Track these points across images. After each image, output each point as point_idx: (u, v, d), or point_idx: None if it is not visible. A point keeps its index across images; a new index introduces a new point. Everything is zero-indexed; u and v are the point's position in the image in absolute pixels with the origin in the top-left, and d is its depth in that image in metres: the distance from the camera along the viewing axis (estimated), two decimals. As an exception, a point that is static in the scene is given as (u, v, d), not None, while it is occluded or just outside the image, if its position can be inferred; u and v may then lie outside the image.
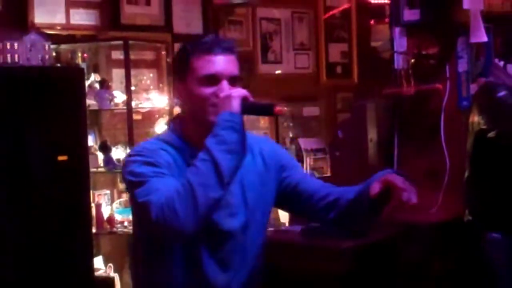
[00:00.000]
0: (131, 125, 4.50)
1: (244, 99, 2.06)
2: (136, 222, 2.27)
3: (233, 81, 2.13)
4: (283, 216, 5.45)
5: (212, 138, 1.99)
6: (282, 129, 6.10)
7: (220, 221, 2.13)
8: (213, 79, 2.10)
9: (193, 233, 1.96)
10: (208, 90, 2.10)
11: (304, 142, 5.96)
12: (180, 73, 2.16)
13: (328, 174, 5.36)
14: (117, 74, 4.79)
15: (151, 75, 5.05)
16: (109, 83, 4.65)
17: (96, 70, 4.77)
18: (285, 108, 2.09)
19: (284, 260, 3.79)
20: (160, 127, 4.93)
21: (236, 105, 2.03)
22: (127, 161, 2.13)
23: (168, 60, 4.96)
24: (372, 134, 4.36)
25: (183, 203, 1.91)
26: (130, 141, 4.50)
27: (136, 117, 4.66)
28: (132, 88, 4.60)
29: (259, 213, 2.24)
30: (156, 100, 4.88)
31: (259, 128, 5.94)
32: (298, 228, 4.03)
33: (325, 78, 6.37)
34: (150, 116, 4.92)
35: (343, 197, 2.21)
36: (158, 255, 2.15)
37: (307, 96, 6.27)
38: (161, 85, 5.05)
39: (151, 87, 5.00)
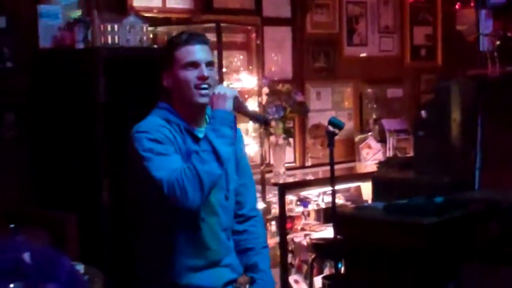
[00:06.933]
0: (223, 104, 4.68)
1: (235, 99, 2.51)
2: (145, 192, 2.56)
3: (209, 64, 2.59)
4: (366, 194, 5.58)
5: (213, 132, 2.43)
6: (366, 110, 6.21)
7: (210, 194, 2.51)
8: (194, 64, 2.55)
9: (199, 206, 2.42)
10: (191, 74, 2.54)
11: (387, 123, 6.04)
12: (167, 63, 2.59)
13: (411, 154, 5.43)
14: (210, 55, 4.98)
15: (241, 57, 5.22)
16: (202, 64, 4.84)
17: (190, 52, 4.94)
18: (270, 117, 2.56)
19: (366, 236, 3.86)
20: (250, 106, 5.10)
21: (230, 105, 2.48)
22: (136, 137, 2.50)
23: (258, 42, 5.12)
24: (455, 114, 4.35)
25: (191, 184, 2.34)
26: (221, 120, 4.68)
27: (227, 97, 4.83)
28: (224, 69, 4.76)
29: (234, 184, 2.70)
30: (246, 81, 5.06)
31: (343, 109, 6.07)
32: (380, 205, 4.08)
33: (409, 60, 6.44)
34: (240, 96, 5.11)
35: (245, 247, 2.79)
36: (163, 224, 2.56)
37: (391, 78, 6.36)
38: (250, 66, 5.22)
39: (241, 68, 5.17)
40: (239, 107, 2.55)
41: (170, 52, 2.59)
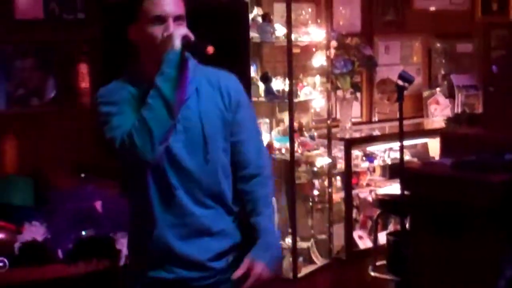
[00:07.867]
0: (291, 57, 4.66)
1: (184, 38, 2.24)
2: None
3: (178, 19, 2.30)
4: (432, 150, 5.53)
5: (160, 76, 2.23)
6: (434, 65, 6.11)
7: (183, 158, 2.37)
8: (161, 19, 2.28)
9: (153, 159, 2.25)
10: (157, 29, 2.28)
11: (456, 79, 5.95)
12: (133, 15, 2.34)
13: (480, 111, 5.35)
14: (278, 8, 4.94)
15: (310, 9, 5.17)
16: (271, 17, 4.81)
17: (259, 4, 4.92)
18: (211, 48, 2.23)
19: (433, 193, 3.83)
20: (317, 60, 5.08)
21: (177, 43, 2.23)
22: (96, 104, 2.37)
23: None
24: (528, 70, 4.28)
25: (139, 135, 2.21)
26: (289, 73, 4.66)
27: (295, 50, 4.81)
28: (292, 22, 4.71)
29: (218, 144, 2.42)
30: (314, 34, 5.01)
31: (412, 63, 5.99)
32: (448, 161, 4.04)
33: (480, 14, 6.28)
34: (308, 50, 5.08)
35: (246, 206, 2.49)
36: (136, 183, 2.43)
37: (461, 32, 6.23)
38: (319, 20, 5.17)
39: (310, 21, 5.12)
40: (189, 46, 2.25)
41: (137, 2, 2.33)
